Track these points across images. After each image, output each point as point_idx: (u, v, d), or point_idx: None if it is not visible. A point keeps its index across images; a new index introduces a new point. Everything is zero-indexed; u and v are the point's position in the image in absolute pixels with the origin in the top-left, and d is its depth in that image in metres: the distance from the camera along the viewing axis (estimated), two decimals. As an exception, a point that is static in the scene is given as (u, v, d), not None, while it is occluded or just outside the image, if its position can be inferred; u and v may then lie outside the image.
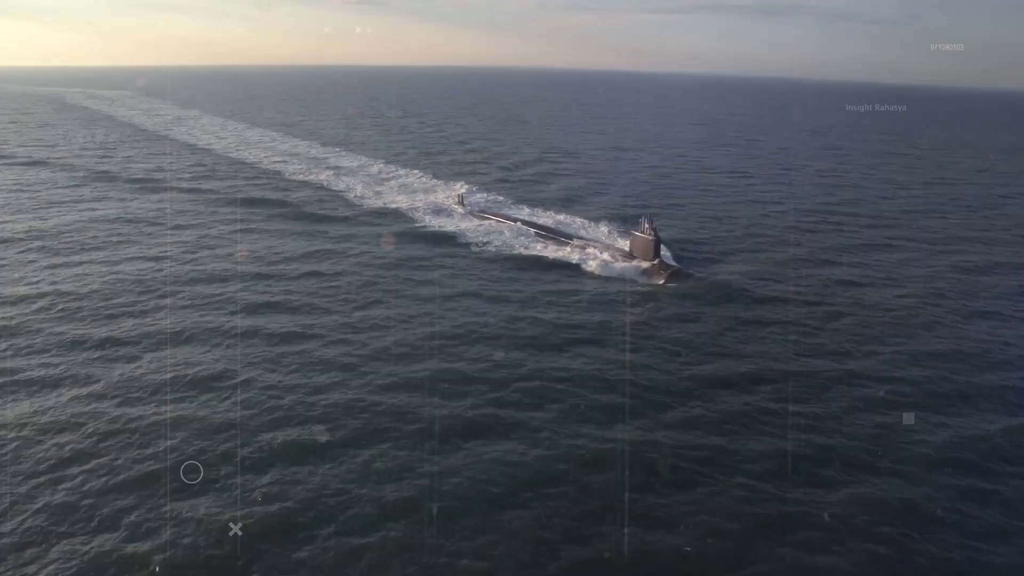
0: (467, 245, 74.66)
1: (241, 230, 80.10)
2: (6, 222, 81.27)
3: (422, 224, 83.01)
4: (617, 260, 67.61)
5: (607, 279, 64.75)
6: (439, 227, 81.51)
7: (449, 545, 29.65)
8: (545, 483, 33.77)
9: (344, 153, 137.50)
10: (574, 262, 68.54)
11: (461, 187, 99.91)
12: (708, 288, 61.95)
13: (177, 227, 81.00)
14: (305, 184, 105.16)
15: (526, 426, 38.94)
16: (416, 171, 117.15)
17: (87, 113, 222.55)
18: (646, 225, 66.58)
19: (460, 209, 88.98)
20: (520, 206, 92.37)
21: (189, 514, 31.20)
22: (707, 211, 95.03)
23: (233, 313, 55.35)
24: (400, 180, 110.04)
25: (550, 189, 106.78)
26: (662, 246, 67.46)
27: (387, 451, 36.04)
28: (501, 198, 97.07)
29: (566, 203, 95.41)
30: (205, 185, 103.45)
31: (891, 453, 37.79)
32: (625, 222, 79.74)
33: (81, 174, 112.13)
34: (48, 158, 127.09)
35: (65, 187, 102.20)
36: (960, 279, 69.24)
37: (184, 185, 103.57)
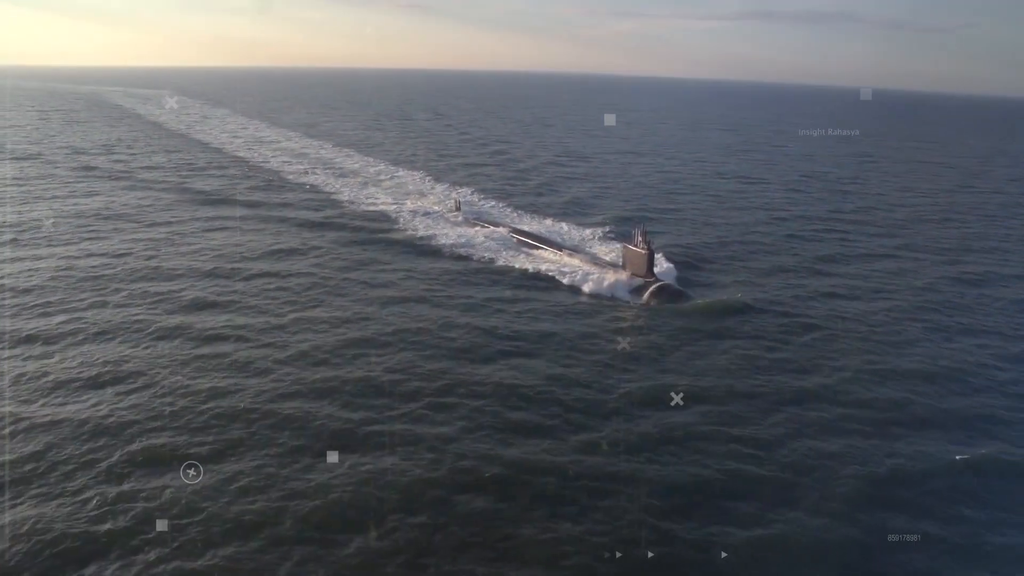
0: (442, 252, 71.16)
1: (216, 228, 78.47)
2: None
3: (405, 229, 79.61)
4: (607, 274, 62.35)
5: (590, 294, 60.01)
6: (422, 232, 78.04)
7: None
8: (411, 509, 30.59)
9: (354, 154, 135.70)
10: (555, 274, 63.69)
11: (458, 192, 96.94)
12: (693, 306, 56.97)
13: (152, 224, 79.69)
14: (300, 185, 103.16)
15: (419, 442, 35.86)
16: (422, 172, 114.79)
17: (117, 111, 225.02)
18: (639, 238, 61.54)
19: (454, 215, 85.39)
20: (519, 212, 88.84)
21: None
22: (711, 219, 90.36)
23: (170, 312, 53.49)
24: (402, 183, 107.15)
25: (555, 194, 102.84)
26: (657, 258, 63.79)
27: (255, 466, 33.25)
28: (501, 204, 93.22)
29: (568, 209, 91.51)
30: (195, 183, 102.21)
31: (821, 487, 33.84)
32: (624, 231, 75.57)
33: (73, 168, 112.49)
34: (40, 153, 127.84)
35: (52, 181, 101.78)
36: (956, 292, 64.63)
37: (173, 182, 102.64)
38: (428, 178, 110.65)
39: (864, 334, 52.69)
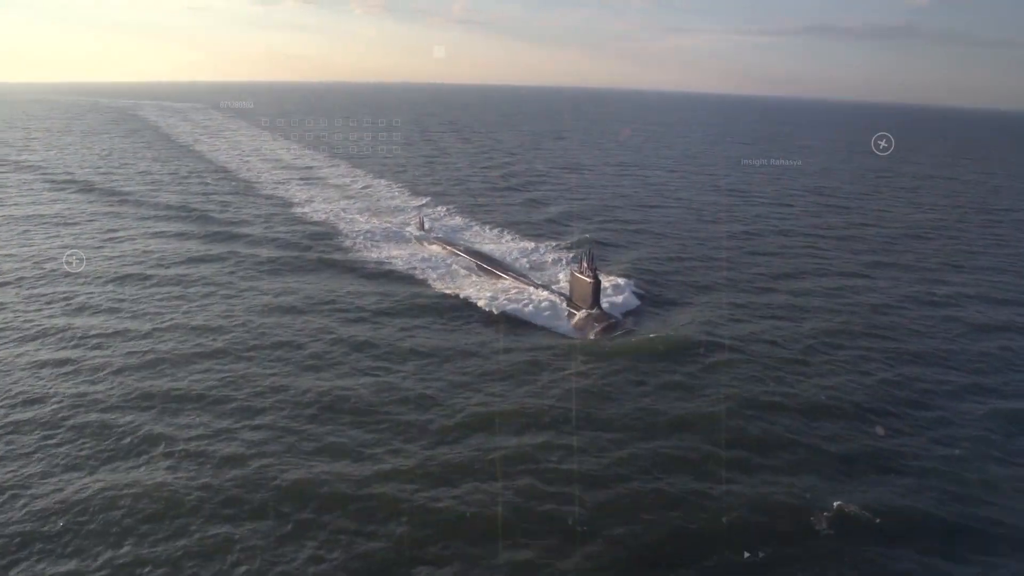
0: (374, 271, 65.63)
1: (152, 236, 76.68)
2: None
3: (351, 247, 74.18)
4: (545, 302, 55.68)
5: (523, 322, 53.24)
6: (366, 250, 72.69)
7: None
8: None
9: (341, 166, 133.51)
10: (487, 299, 56.46)
11: (425, 211, 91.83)
12: (626, 342, 49.45)
13: (79, 226, 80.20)
14: (270, 197, 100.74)
15: (202, 457, 33.07)
16: (406, 187, 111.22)
17: (136, 123, 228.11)
18: (584, 264, 54.54)
19: (416, 232, 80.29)
20: (486, 230, 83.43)
21: None
22: (691, 234, 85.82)
23: (52, 315, 51.67)
24: (381, 198, 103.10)
25: (537, 209, 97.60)
26: (618, 281, 60.62)
27: (32, 473, 31.00)
28: (473, 221, 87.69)
29: (539, 228, 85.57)
30: (160, 194, 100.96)
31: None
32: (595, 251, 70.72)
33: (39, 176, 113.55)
34: (36, 163, 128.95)
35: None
36: (911, 312, 58.93)
37: (130, 190, 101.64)
38: (409, 193, 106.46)
39: (783, 364, 47.40)
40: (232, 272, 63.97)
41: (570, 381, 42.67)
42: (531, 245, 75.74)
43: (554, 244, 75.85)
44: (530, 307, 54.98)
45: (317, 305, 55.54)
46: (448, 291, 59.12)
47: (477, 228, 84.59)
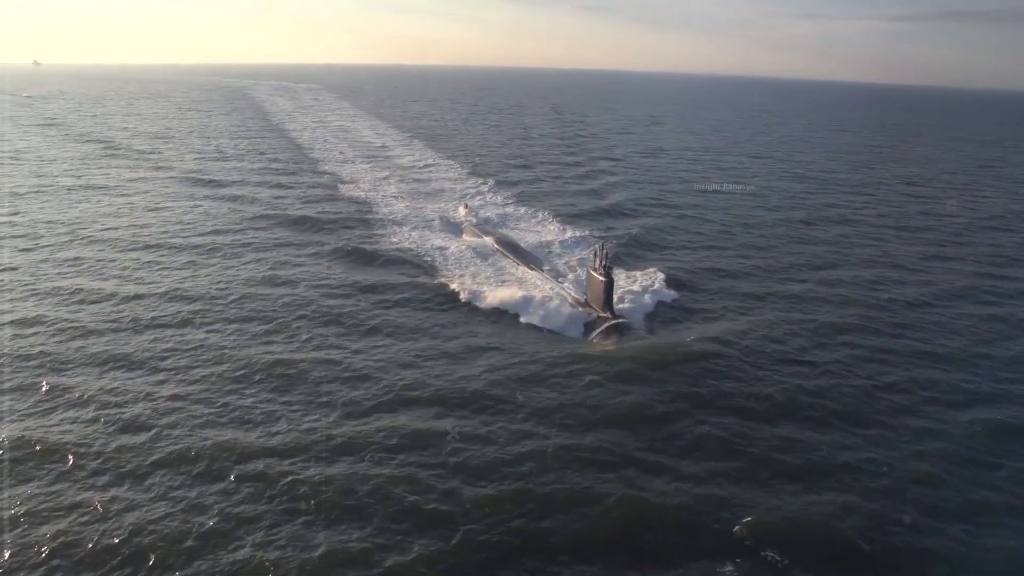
0: (393, 258, 61.48)
1: (176, 204, 79.23)
2: None
3: (380, 227, 71.55)
4: (557, 303, 49.87)
5: (525, 324, 48.04)
6: (395, 236, 68.50)
7: None
8: None
9: (416, 146, 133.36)
10: (489, 295, 51.34)
11: (470, 196, 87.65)
12: (638, 347, 43.11)
13: (123, 195, 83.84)
14: (322, 174, 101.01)
15: (102, 420, 33.41)
16: (465, 167, 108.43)
17: (244, 102, 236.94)
18: (596, 261, 48.80)
19: (457, 218, 75.89)
20: (532, 216, 78.43)
21: None
22: (737, 224, 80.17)
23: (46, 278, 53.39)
24: (435, 178, 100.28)
25: (591, 198, 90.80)
26: (650, 277, 56.08)
27: None
28: (519, 208, 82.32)
29: (589, 216, 79.92)
30: (211, 168, 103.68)
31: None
32: (631, 249, 66.51)
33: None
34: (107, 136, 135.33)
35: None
36: (953, 310, 52.68)
37: (185, 166, 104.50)
38: (472, 175, 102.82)
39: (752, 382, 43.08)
40: (248, 244, 64.28)
41: (524, 372, 39.67)
42: (575, 234, 70.74)
43: (600, 235, 69.23)
44: (535, 303, 49.75)
45: (312, 281, 54.78)
46: (456, 279, 55.31)
47: (524, 214, 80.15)
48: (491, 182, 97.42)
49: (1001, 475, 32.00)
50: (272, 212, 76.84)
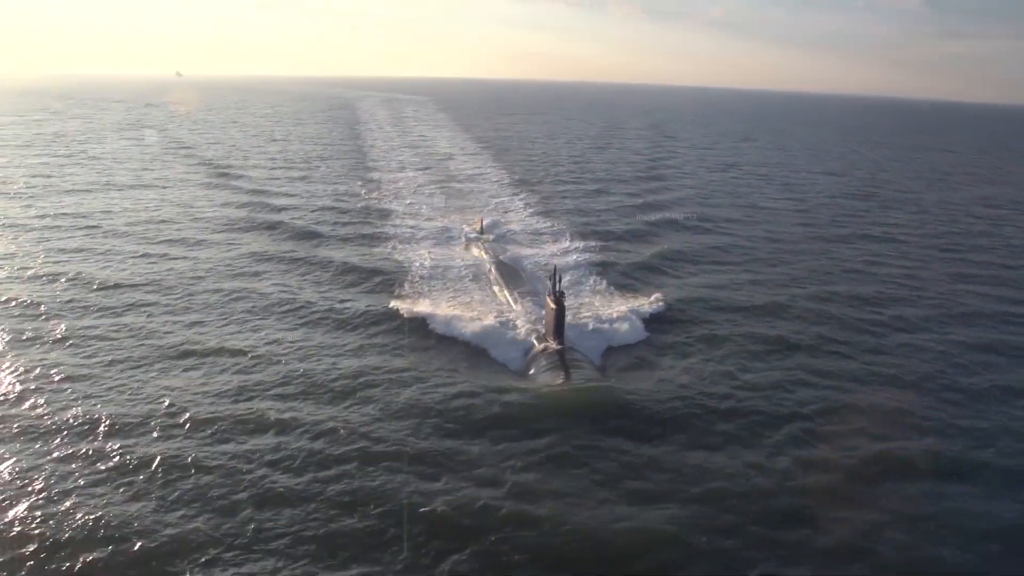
0: (373, 273, 57.99)
1: (207, 205, 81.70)
2: None
3: (384, 239, 69.22)
4: (511, 334, 44.68)
5: (473, 348, 43.43)
6: (389, 250, 65.61)
7: None
8: None
9: (482, 158, 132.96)
10: (442, 318, 46.48)
11: (486, 211, 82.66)
12: (557, 392, 36.73)
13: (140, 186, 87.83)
14: (368, 180, 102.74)
15: None
16: (514, 181, 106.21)
17: (344, 112, 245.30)
18: (551, 286, 43.30)
19: (471, 233, 71.80)
20: (554, 236, 73.65)
21: None
22: (771, 245, 75.08)
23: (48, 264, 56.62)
24: (477, 191, 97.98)
25: (637, 213, 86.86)
26: (610, 315, 48.74)
27: None
28: (544, 225, 78.04)
29: (623, 236, 74.93)
30: (243, 169, 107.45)
31: None
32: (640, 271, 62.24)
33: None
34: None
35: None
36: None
37: (236, 169, 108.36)
38: (517, 189, 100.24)
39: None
40: (224, 257, 62.61)
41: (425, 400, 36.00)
42: (590, 257, 65.47)
43: (622, 260, 65.33)
44: (487, 330, 44.80)
45: (278, 282, 55.14)
46: (423, 298, 51.60)
47: (547, 230, 76.49)
48: (530, 195, 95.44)
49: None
50: (283, 218, 76.84)
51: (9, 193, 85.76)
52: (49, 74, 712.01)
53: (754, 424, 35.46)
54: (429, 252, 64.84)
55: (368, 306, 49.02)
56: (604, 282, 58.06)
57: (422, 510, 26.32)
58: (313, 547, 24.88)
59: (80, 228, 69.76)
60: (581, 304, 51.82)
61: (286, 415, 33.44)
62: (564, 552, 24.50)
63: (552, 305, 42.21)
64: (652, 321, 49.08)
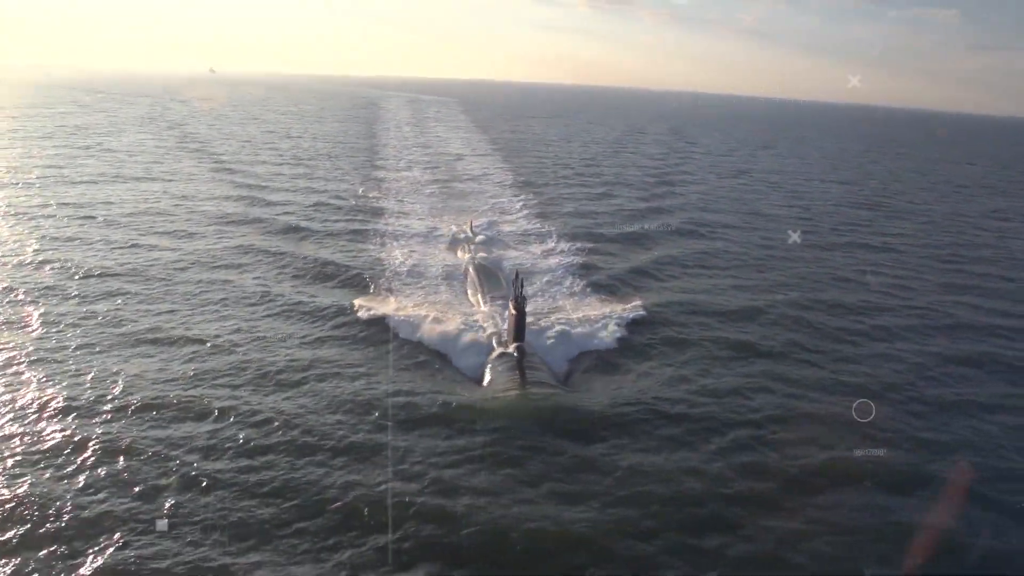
0: (345, 272, 57.23)
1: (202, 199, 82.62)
2: None
3: (369, 238, 68.54)
4: (469, 338, 43.26)
5: (430, 350, 42.46)
6: (373, 250, 64.77)
7: None
8: None
9: (490, 160, 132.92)
10: (406, 322, 45.30)
11: (474, 213, 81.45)
12: (510, 402, 35.36)
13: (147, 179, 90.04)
14: (367, 178, 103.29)
15: None
16: (517, 183, 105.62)
17: (366, 111, 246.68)
18: (513, 292, 42.06)
19: (460, 235, 70.38)
20: (541, 241, 71.80)
21: None
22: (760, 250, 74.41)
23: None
24: (476, 192, 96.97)
25: (632, 219, 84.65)
26: (575, 321, 47.37)
27: None
28: (534, 229, 76.56)
29: (614, 241, 73.31)
30: (268, 170, 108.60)
31: None
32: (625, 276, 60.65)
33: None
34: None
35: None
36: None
37: (240, 165, 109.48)
38: (518, 191, 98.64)
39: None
40: (202, 251, 62.25)
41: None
42: (576, 260, 64.15)
43: (608, 265, 64.08)
44: (446, 335, 43.62)
45: (247, 278, 54.83)
46: (385, 296, 51.04)
47: (540, 233, 74.95)
48: (531, 197, 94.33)
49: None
50: (276, 213, 77.05)
51: (18, 182, 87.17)
52: (84, 69, 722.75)
53: (701, 429, 35.10)
54: (412, 252, 64.46)
55: (336, 302, 49.07)
56: (585, 286, 57.31)
57: (335, 504, 26.38)
58: (224, 535, 25.06)
59: (77, 218, 70.70)
60: (557, 308, 51.36)
61: (227, 403, 33.77)
62: (464, 549, 24.38)
63: (513, 310, 41.09)
64: (626, 326, 48.08)
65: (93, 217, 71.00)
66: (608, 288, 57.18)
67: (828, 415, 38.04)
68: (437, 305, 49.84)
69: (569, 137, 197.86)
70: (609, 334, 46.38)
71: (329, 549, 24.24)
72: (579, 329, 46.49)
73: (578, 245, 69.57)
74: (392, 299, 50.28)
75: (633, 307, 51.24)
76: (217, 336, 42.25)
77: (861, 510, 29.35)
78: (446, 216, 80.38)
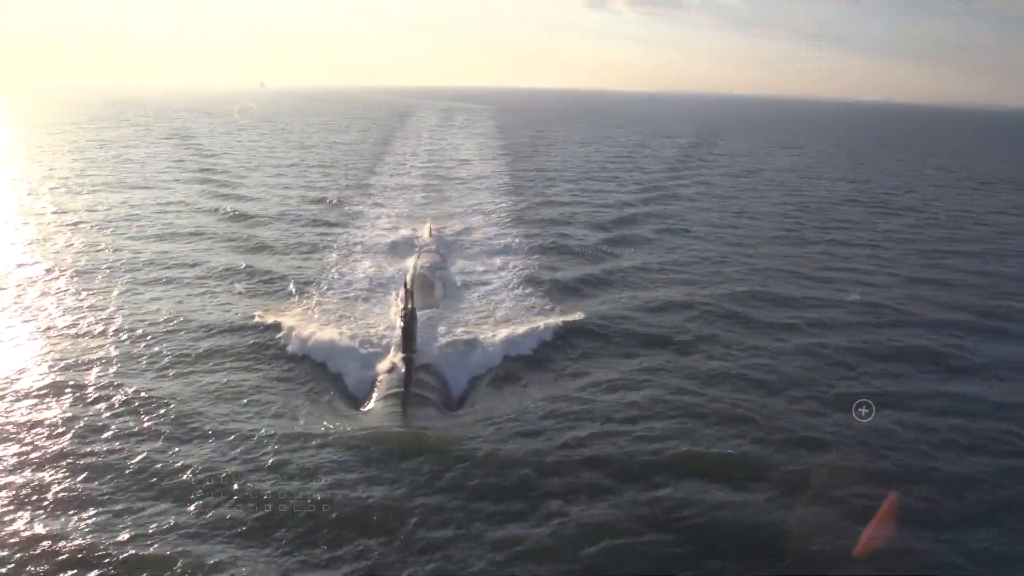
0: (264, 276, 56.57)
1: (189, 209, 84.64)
2: None
3: (325, 243, 68.03)
4: (371, 354, 40.64)
5: (311, 362, 39.99)
6: (329, 248, 65.68)
7: None
8: None
9: (496, 163, 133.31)
10: (303, 330, 42.88)
11: (433, 218, 79.21)
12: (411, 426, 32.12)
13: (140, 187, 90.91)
14: (356, 185, 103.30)
15: None
16: (510, 187, 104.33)
17: (391, 120, 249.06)
18: (402, 291, 39.95)
19: (420, 241, 68.57)
20: (500, 249, 68.37)
21: None
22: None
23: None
24: (460, 197, 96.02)
25: (608, 221, 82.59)
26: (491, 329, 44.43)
27: None
28: (500, 236, 73.37)
29: (579, 251, 69.12)
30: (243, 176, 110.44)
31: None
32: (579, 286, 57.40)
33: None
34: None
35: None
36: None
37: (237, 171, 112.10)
38: (507, 196, 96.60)
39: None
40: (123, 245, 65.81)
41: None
42: (531, 270, 60.98)
43: (566, 274, 60.65)
44: (342, 350, 40.69)
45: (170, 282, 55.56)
46: (296, 307, 48.75)
47: (502, 243, 70.55)
48: (514, 201, 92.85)
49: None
50: (239, 221, 77.31)
51: (22, 192, 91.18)
52: (137, 85, 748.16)
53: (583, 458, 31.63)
54: (357, 260, 62.33)
55: (243, 312, 47.42)
56: (530, 295, 53.89)
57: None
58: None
59: (63, 224, 73.20)
60: (486, 318, 48.14)
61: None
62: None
63: (400, 323, 38.16)
64: (556, 338, 44.73)
65: (80, 223, 73.74)
66: (554, 297, 53.50)
67: (710, 411, 36.87)
68: (347, 318, 46.86)
69: (587, 141, 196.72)
70: (534, 345, 43.20)
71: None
72: (499, 340, 43.03)
73: (541, 255, 66.65)
74: (301, 309, 47.89)
75: (569, 319, 47.64)
76: (95, 333, 43.05)
77: (678, 503, 28.56)
78: (412, 222, 78.31)
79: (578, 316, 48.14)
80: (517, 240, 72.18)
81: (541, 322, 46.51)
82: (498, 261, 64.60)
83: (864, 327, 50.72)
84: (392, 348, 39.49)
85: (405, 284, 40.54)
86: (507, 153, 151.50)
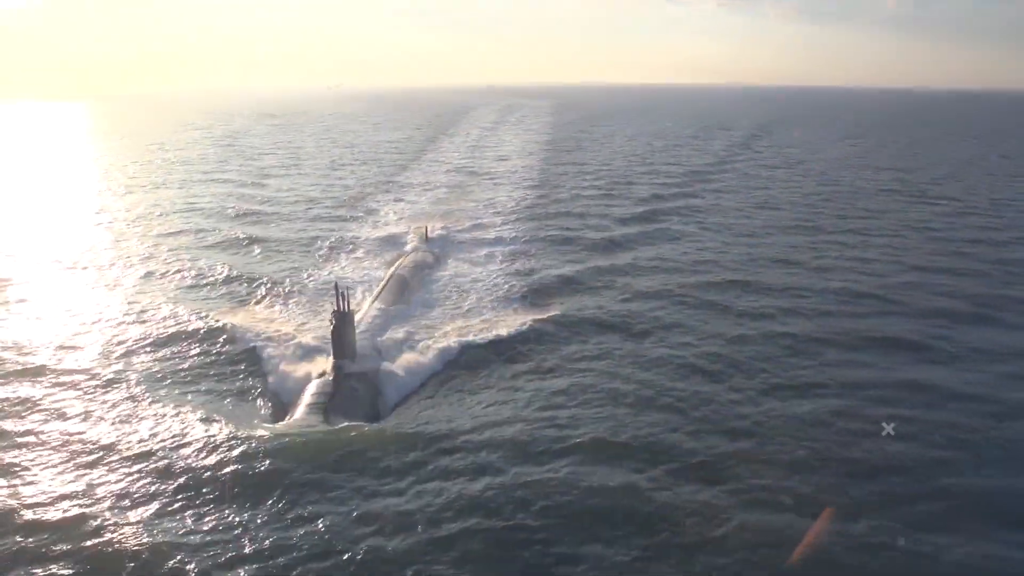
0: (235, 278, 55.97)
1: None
2: None
3: (318, 240, 67.98)
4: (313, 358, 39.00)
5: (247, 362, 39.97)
6: (319, 247, 65.41)
7: None
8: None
9: (527, 159, 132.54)
10: (254, 328, 43.24)
11: (433, 221, 75.32)
12: (333, 433, 31.22)
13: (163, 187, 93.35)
14: (386, 184, 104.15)
15: None
16: (528, 183, 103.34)
17: (450, 117, 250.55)
18: (335, 303, 37.66)
19: (412, 243, 66.40)
20: (495, 251, 65.07)
21: None
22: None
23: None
24: (479, 194, 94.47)
25: (621, 216, 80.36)
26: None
27: None
28: (501, 237, 70.31)
29: (567, 243, 67.95)
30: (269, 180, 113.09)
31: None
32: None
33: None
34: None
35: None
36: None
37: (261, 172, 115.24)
38: (522, 193, 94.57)
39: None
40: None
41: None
42: (522, 269, 58.95)
43: (559, 272, 58.38)
44: (283, 354, 39.81)
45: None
46: (260, 308, 48.51)
47: (504, 244, 67.67)
48: (535, 199, 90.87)
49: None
50: (245, 220, 78.93)
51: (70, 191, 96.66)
52: (209, 89, 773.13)
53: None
54: (345, 262, 61.17)
55: (206, 313, 46.99)
56: (509, 297, 51.58)
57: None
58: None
59: (86, 219, 77.52)
60: (449, 321, 46.41)
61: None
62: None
63: (332, 324, 36.93)
64: (517, 335, 43.47)
65: (99, 219, 77.97)
66: (531, 295, 51.79)
67: (636, 400, 36.36)
68: (311, 318, 45.97)
69: (633, 136, 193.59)
70: (487, 345, 41.61)
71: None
72: (451, 343, 41.67)
73: (541, 254, 64.48)
74: (263, 310, 47.59)
75: (540, 316, 46.24)
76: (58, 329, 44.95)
77: (583, 490, 28.52)
78: (412, 221, 76.31)
79: (549, 313, 46.72)
80: (516, 236, 70.70)
81: (506, 320, 45.69)
82: (490, 260, 62.66)
83: (839, 316, 49.00)
84: (327, 355, 38.42)
85: (336, 287, 38.62)
86: (550, 148, 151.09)
